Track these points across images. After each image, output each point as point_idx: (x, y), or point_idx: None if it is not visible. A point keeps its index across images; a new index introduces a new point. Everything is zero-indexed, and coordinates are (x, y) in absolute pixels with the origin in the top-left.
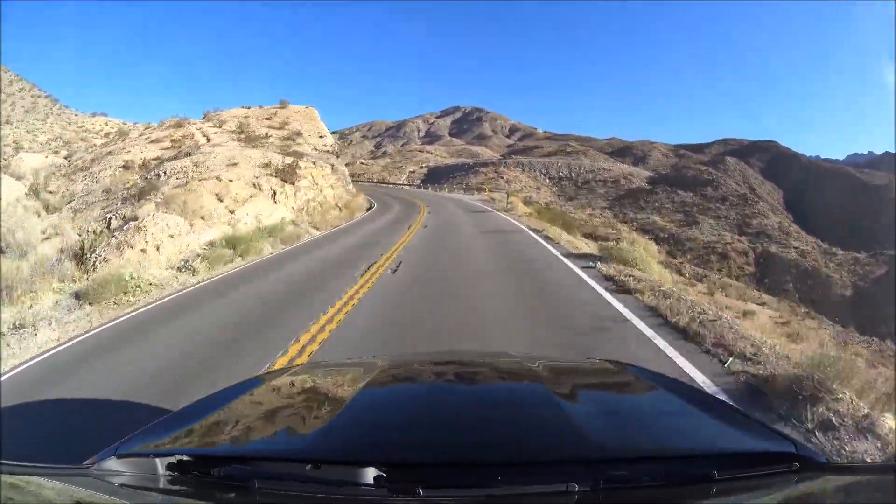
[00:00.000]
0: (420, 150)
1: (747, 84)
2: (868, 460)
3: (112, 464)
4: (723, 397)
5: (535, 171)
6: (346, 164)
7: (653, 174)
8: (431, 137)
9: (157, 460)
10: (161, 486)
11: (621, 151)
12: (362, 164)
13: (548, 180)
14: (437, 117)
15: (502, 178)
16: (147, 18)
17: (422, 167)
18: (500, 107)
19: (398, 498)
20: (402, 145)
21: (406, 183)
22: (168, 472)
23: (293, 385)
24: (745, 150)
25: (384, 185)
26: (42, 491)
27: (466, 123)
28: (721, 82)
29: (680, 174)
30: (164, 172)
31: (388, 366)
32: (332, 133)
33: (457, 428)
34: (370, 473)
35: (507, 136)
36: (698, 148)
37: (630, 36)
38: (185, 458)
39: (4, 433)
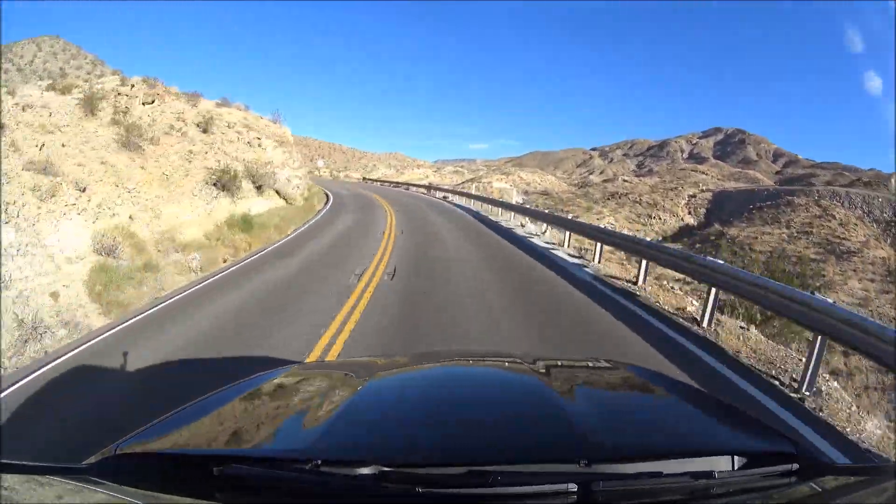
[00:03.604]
0: (693, 170)
1: None
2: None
3: (112, 463)
4: None
5: (854, 207)
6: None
7: None
8: (696, 159)
9: (157, 460)
10: (161, 485)
11: None
12: (625, 181)
13: (875, 225)
14: (700, 138)
15: (833, 217)
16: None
17: (702, 191)
18: (756, 129)
19: (397, 498)
20: (668, 165)
21: (688, 214)
22: (168, 472)
23: (292, 384)
24: None
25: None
26: (41, 491)
27: (729, 146)
28: None
29: None
30: None
31: (387, 365)
32: (592, 150)
33: (456, 427)
34: (369, 473)
35: (773, 162)
36: None
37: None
38: (184, 457)
39: None
